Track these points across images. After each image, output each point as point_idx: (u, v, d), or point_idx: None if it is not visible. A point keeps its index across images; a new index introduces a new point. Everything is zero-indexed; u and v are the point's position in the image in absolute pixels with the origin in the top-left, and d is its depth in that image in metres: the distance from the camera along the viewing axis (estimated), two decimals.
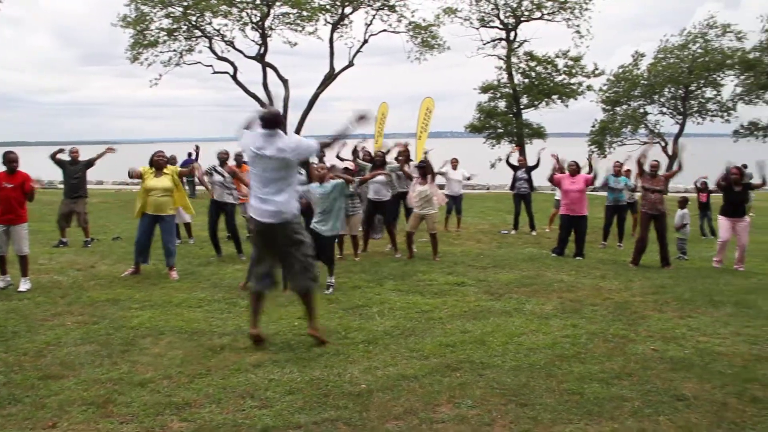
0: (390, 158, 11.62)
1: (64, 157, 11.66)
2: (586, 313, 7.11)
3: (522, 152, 27.62)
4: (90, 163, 11.84)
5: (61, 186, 12.20)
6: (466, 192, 15.15)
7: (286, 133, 5.78)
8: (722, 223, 10.35)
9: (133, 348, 5.80)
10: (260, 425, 4.24)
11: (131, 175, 9.14)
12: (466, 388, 4.87)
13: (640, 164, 10.48)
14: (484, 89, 32.68)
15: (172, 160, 13.25)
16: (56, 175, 14.40)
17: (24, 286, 8.06)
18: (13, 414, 4.39)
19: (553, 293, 8.09)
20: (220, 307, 7.24)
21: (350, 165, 9.99)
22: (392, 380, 5.00)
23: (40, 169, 12.81)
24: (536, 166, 14.26)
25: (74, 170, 11.64)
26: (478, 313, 7.08)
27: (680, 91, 32.30)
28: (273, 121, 5.71)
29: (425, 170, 10.48)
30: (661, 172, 10.62)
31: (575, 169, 11.08)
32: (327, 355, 5.60)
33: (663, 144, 32.50)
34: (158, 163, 8.93)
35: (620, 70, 32.55)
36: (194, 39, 28.80)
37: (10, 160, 7.99)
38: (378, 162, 10.91)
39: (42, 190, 11.71)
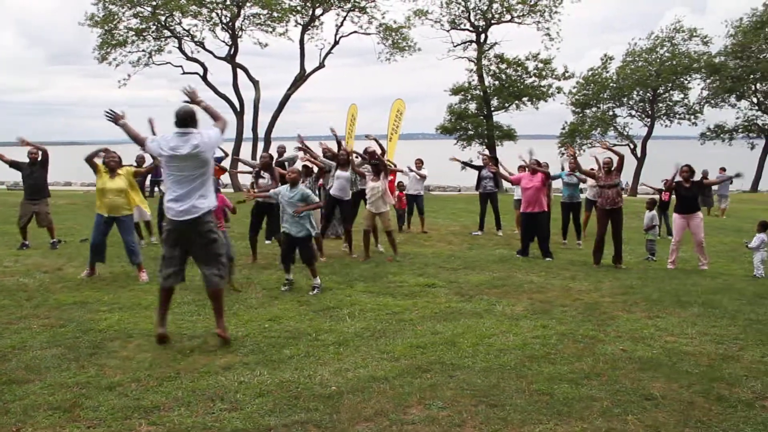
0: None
1: (22, 159, 11.45)
2: (556, 314, 7.17)
3: (493, 153, 27.80)
4: (46, 161, 11.49)
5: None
6: (438, 194, 15.19)
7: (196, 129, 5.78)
8: (676, 221, 10.56)
9: (101, 351, 5.72)
10: (230, 428, 4.20)
11: (89, 158, 8.89)
12: (437, 389, 4.88)
13: (581, 170, 10.86)
14: (455, 91, 32.82)
15: (139, 160, 13.04)
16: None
17: None
18: None
19: (524, 294, 8.15)
20: (190, 310, 7.17)
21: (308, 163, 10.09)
22: (363, 382, 5.00)
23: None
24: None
25: (32, 171, 11.40)
26: (448, 314, 7.10)
27: (648, 94, 32.79)
28: (186, 119, 5.72)
29: (378, 167, 10.52)
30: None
31: (535, 169, 11.21)
32: (297, 357, 5.58)
33: (632, 146, 32.93)
34: (109, 165, 8.89)
35: (590, 73, 32.93)
36: (163, 39, 28.58)
37: None
38: (341, 160, 11.09)
39: (7, 191, 11.51)
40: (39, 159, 11.33)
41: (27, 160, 11.38)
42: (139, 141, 6.07)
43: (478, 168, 14.52)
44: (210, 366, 5.31)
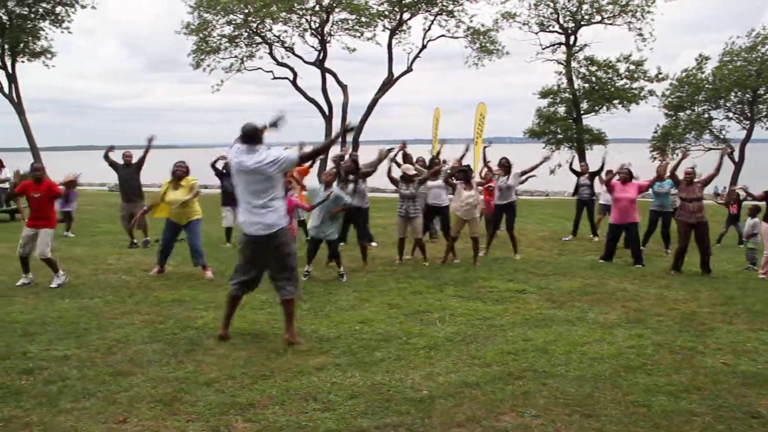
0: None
1: (118, 160, 12.00)
2: (652, 324, 6.95)
3: (582, 158, 27.20)
4: (141, 164, 12.05)
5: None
6: (526, 199, 15.00)
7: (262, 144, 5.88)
8: (765, 231, 10.10)
9: (198, 348, 5.92)
10: (323, 428, 4.27)
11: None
12: (529, 397, 4.81)
13: (673, 174, 10.37)
14: (544, 94, 32.28)
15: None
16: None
17: (57, 281, 8.49)
18: (87, 408, 4.55)
19: (617, 302, 7.93)
20: (282, 310, 7.31)
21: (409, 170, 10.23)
22: (454, 387, 4.98)
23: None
24: (600, 171, 13.98)
25: (127, 173, 11.99)
26: (540, 321, 6.99)
27: (747, 95, 31.26)
28: (251, 136, 5.85)
29: (468, 176, 10.53)
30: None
31: (626, 177, 10.79)
32: (389, 360, 5.61)
33: (730, 150, 31.53)
34: (175, 174, 9.28)
35: (684, 74, 31.71)
36: (255, 45, 29.28)
37: (37, 169, 8.65)
38: (436, 168, 11.48)
39: (109, 192, 12.10)
40: (133, 162, 11.90)
41: (122, 162, 11.97)
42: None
43: (577, 174, 14.34)
44: (303, 366, 5.41)
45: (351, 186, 10.15)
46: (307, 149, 6.20)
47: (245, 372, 5.28)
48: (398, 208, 10.49)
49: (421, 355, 5.76)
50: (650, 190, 12.28)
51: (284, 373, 5.25)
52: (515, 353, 5.82)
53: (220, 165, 11.81)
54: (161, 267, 9.38)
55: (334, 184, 9.26)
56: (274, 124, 6.03)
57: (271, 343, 6.08)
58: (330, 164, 11.01)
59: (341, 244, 10.52)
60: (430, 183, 11.22)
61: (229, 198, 12.27)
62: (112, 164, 11.93)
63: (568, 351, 5.90)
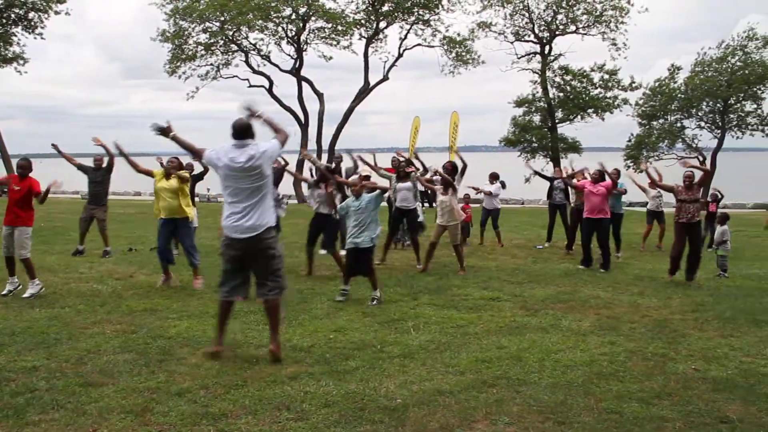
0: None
1: (88, 163, 11.92)
2: (624, 331, 7.01)
3: (557, 166, 27.40)
4: (110, 168, 11.90)
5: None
6: (501, 207, 15.07)
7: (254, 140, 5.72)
8: None
9: (170, 358, 5.86)
10: None
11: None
12: (503, 404, 4.82)
13: (662, 185, 10.64)
14: (519, 103, 32.54)
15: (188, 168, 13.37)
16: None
17: (30, 290, 8.29)
18: (56, 419, 4.47)
19: (590, 309, 7.99)
20: (256, 319, 7.26)
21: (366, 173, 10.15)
22: (428, 395, 4.98)
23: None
24: (571, 177, 14.14)
25: (96, 176, 11.89)
26: (514, 328, 7.02)
27: (719, 105, 31.77)
28: (243, 131, 5.67)
29: (447, 182, 10.54)
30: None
31: (597, 178, 11.21)
32: (363, 368, 5.59)
33: (701, 159, 31.98)
34: (168, 171, 9.11)
35: (657, 84, 32.15)
36: (231, 53, 29.23)
37: (21, 166, 8.45)
38: (401, 173, 11.37)
39: (82, 199, 11.99)
40: (104, 165, 11.80)
41: (92, 166, 11.86)
42: (195, 152, 6.02)
43: (551, 179, 14.46)
44: (276, 375, 5.37)
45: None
46: (278, 136, 5.83)
47: (218, 381, 5.22)
48: None
49: (395, 364, 5.74)
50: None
51: (257, 383, 5.21)
52: (489, 361, 5.83)
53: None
54: (167, 275, 9.19)
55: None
56: (161, 130, 5.98)
57: (245, 352, 6.04)
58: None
59: (322, 252, 10.44)
60: (399, 185, 11.29)
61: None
62: (81, 167, 11.83)
63: (542, 358, 5.93)
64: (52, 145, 11.31)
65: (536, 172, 15.10)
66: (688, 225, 10.05)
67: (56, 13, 30.00)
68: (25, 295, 8.20)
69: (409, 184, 11.26)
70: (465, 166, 10.92)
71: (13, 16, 29.72)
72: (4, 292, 8.32)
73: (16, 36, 30.34)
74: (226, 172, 5.67)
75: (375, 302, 8.15)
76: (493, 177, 14.54)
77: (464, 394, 5.01)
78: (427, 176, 11.62)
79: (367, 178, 9.75)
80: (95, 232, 11.92)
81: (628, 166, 29.95)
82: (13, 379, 5.23)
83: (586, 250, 11.28)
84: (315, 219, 10.28)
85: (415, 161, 12.52)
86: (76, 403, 4.74)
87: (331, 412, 4.64)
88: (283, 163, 11.23)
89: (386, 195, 9.16)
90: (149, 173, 9.28)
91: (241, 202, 5.65)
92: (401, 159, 11.95)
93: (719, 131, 31.99)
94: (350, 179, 10.68)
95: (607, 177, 11.39)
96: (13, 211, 8.30)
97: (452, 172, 10.77)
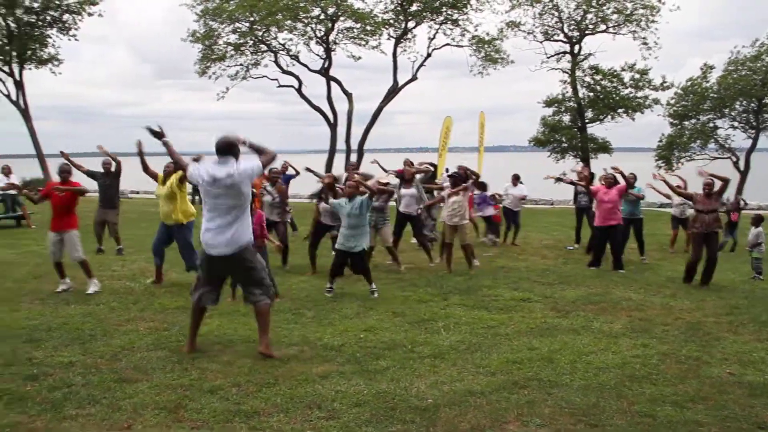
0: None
1: (97, 168, 12.16)
2: (657, 333, 6.93)
3: (588, 166, 27.13)
4: (118, 172, 12.17)
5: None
6: (530, 207, 15.02)
7: (236, 159, 5.75)
8: None
9: (203, 355, 5.92)
10: None
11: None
12: (534, 406, 4.80)
13: (681, 192, 10.52)
14: (548, 103, 32.25)
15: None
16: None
17: (92, 288, 8.48)
18: (92, 414, 4.56)
19: (622, 311, 7.92)
20: (287, 318, 7.33)
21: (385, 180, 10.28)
22: (459, 396, 4.98)
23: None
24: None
25: (105, 181, 12.16)
26: (545, 330, 6.98)
27: (753, 105, 31.21)
28: (225, 148, 5.72)
29: (457, 181, 10.58)
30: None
31: (612, 182, 11.12)
32: (393, 368, 5.61)
33: (734, 159, 31.47)
34: (165, 172, 9.24)
35: (689, 83, 31.68)
36: (260, 53, 29.31)
37: (63, 170, 8.64)
38: (407, 178, 11.55)
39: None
40: (112, 170, 12.03)
41: (101, 170, 12.09)
42: (181, 165, 6.20)
43: (574, 183, 14.34)
44: (307, 374, 5.41)
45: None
46: (261, 158, 5.80)
47: (250, 379, 5.27)
48: (370, 220, 10.55)
49: (426, 364, 5.75)
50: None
51: (289, 381, 5.25)
52: (520, 362, 5.81)
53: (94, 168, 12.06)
54: (158, 274, 9.34)
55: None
56: (154, 133, 6.13)
57: (276, 350, 6.06)
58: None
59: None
60: (403, 191, 11.49)
61: None
62: (90, 173, 12.03)
63: (573, 360, 5.89)
64: (61, 152, 11.41)
65: (559, 178, 14.94)
66: (704, 235, 9.91)
67: (89, 15, 30.44)
68: (88, 292, 8.39)
69: (413, 190, 11.45)
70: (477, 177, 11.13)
71: (48, 18, 30.21)
72: (58, 290, 8.48)
73: (51, 38, 30.87)
74: (206, 188, 5.75)
75: (375, 294, 8.52)
76: (516, 178, 14.47)
77: (495, 395, 4.99)
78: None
79: (386, 184, 9.94)
80: (131, 230, 12.15)
81: (659, 167, 29.57)
82: (50, 373, 5.34)
83: (598, 254, 11.25)
84: (319, 225, 10.61)
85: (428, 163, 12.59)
86: (112, 399, 4.83)
87: (362, 411, 4.66)
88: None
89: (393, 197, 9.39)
90: (155, 176, 9.39)
91: (217, 218, 5.72)
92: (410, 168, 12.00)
93: (753, 131, 31.40)
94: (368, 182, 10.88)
95: (621, 181, 11.26)
96: (59, 216, 8.45)
97: (465, 178, 10.99)
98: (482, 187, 13.73)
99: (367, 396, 4.94)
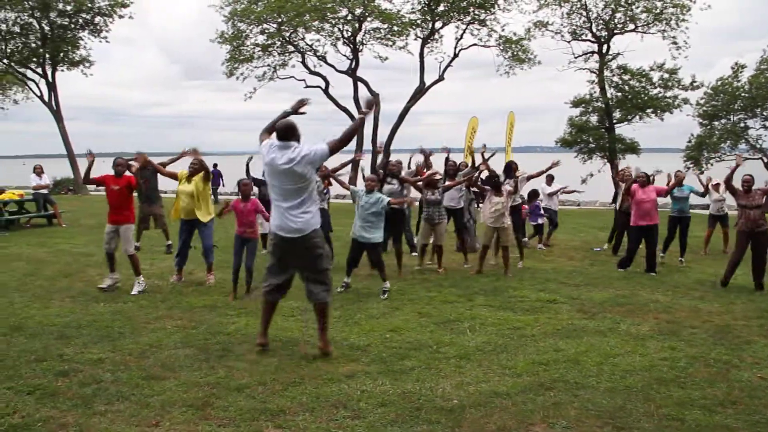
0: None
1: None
2: (685, 336, 6.85)
3: (615, 168, 26.84)
4: (156, 169, 12.19)
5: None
6: (557, 208, 14.93)
7: (299, 142, 5.65)
8: None
9: (230, 354, 5.98)
10: None
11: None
12: (561, 408, 4.78)
13: (729, 184, 10.12)
14: (576, 103, 31.98)
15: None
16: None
17: (137, 288, 8.58)
18: (121, 410, 4.63)
19: (649, 314, 7.83)
20: (313, 317, 7.27)
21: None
22: (484, 397, 4.97)
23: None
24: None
25: (143, 176, 12.12)
26: (571, 331, 6.94)
27: None
28: (286, 132, 5.62)
29: (498, 183, 10.50)
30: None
31: (645, 181, 10.93)
32: (419, 368, 5.61)
33: (765, 160, 30.99)
34: (190, 170, 9.23)
35: (719, 83, 31.23)
36: (287, 54, 29.47)
37: (119, 164, 8.68)
38: (450, 172, 11.49)
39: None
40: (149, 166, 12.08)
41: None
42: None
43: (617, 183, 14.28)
44: (333, 373, 5.43)
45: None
46: (334, 138, 5.71)
47: (276, 378, 5.31)
48: (424, 213, 10.56)
49: (452, 365, 5.74)
50: (668, 197, 12.15)
51: (314, 380, 5.28)
52: (546, 364, 5.78)
53: (253, 172, 12.02)
54: (179, 274, 9.45)
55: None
56: (296, 111, 6.04)
57: (302, 350, 6.11)
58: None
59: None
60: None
61: (266, 205, 12.39)
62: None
63: (600, 362, 5.85)
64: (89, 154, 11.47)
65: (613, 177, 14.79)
66: (750, 233, 9.69)
67: (120, 17, 30.88)
68: (133, 292, 8.49)
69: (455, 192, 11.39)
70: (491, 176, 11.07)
71: (80, 21, 30.71)
72: (103, 286, 8.65)
73: (83, 40, 31.40)
74: (269, 170, 5.70)
75: (386, 294, 8.48)
76: (550, 178, 14.37)
77: (521, 397, 4.98)
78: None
79: (438, 180, 9.97)
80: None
81: (688, 168, 29.20)
82: (80, 370, 5.43)
83: (631, 254, 11.02)
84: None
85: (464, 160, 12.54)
86: (140, 396, 4.90)
87: (387, 411, 4.67)
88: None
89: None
90: (173, 176, 9.49)
91: (285, 201, 5.66)
92: (454, 162, 11.97)
93: None
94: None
95: (656, 183, 11.13)
96: (116, 209, 8.59)
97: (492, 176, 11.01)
98: (533, 196, 13.81)
99: (392, 396, 4.96)
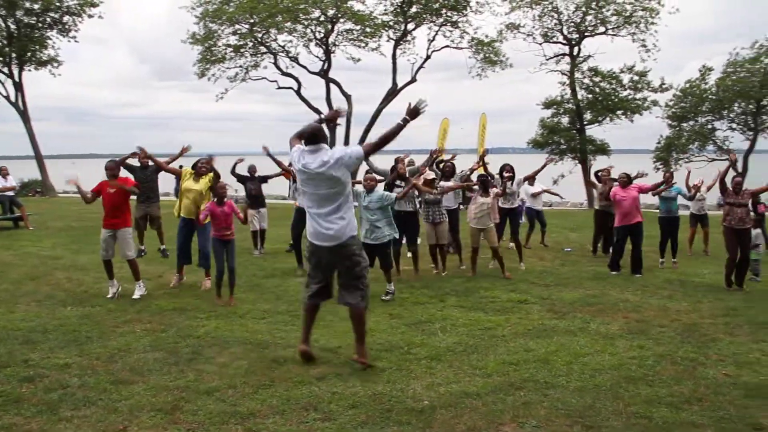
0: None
1: (134, 162, 11.98)
2: (653, 335, 6.93)
3: (585, 170, 27.16)
4: (158, 167, 12.03)
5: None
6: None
7: (328, 146, 5.57)
8: None
9: (199, 357, 5.93)
10: None
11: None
12: (530, 407, 4.81)
13: (723, 183, 10.21)
14: (547, 105, 32.25)
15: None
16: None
17: (138, 292, 8.48)
18: (88, 416, 4.57)
19: (619, 313, 7.92)
20: (284, 319, 7.33)
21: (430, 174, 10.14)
22: (455, 397, 4.98)
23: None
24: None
25: (145, 175, 11.92)
26: (541, 331, 6.98)
27: (751, 106, 31.24)
28: (314, 136, 5.51)
29: (486, 183, 10.48)
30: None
31: (626, 181, 11.00)
32: (390, 370, 5.61)
33: (735, 158, 31.46)
34: (199, 171, 9.17)
35: (687, 85, 31.70)
36: (260, 55, 29.32)
37: (109, 168, 8.48)
38: (447, 172, 11.32)
39: None
40: (150, 164, 11.87)
41: (139, 165, 11.95)
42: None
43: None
44: (303, 376, 5.41)
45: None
46: (372, 140, 5.59)
47: (246, 381, 5.28)
48: (424, 214, 10.48)
49: (423, 366, 5.75)
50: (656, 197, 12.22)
51: (285, 383, 5.25)
52: (516, 364, 5.81)
53: (239, 170, 12.19)
54: (180, 275, 9.33)
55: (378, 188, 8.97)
56: (330, 120, 6.02)
57: (272, 352, 6.09)
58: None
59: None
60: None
61: (255, 201, 12.36)
62: (128, 167, 11.91)
63: (570, 362, 5.89)
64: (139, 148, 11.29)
65: (594, 175, 14.72)
66: (738, 231, 9.81)
67: (90, 16, 30.47)
68: (134, 296, 8.37)
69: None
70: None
71: (48, 20, 30.25)
72: (109, 296, 8.44)
73: (51, 39, 30.90)
74: (302, 177, 5.56)
75: (389, 296, 8.39)
76: (532, 178, 14.34)
77: (491, 397, 5.00)
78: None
79: (434, 180, 9.89)
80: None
81: (658, 169, 29.57)
82: (46, 375, 5.35)
83: (618, 256, 11.03)
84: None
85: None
86: (107, 401, 4.83)
87: (358, 413, 4.67)
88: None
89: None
90: (176, 172, 9.40)
91: (319, 209, 5.51)
92: (453, 162, 11.97)
93: (751, 133, 31.43)
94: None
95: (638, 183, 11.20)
96: (113, 212, 8.41)
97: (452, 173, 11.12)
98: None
99: (363, 398, 4.95)
